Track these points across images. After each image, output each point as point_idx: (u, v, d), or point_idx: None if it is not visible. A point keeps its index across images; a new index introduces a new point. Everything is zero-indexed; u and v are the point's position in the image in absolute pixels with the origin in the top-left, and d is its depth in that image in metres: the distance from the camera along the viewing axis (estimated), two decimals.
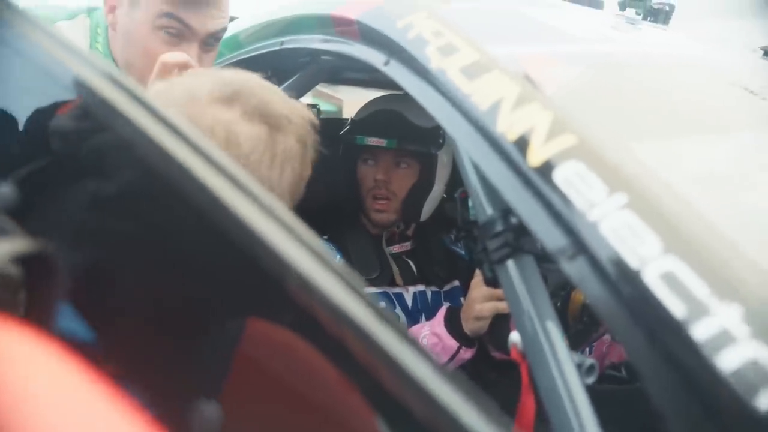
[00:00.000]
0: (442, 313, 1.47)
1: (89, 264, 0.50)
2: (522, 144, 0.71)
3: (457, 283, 1.73)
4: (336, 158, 1.69)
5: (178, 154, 0.46)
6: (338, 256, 1.65)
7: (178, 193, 0.47)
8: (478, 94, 0.79)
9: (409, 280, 1.69)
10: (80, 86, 0.54)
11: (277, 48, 1.39)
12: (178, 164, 0.46)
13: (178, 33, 1.18)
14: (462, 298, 1.69)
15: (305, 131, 0.79)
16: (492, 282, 0.84)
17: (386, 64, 1.02)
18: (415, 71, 0.94)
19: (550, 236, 0.65)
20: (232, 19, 1.33)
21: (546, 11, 1.12)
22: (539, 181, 0.68)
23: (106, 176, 0.51)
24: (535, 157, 0.69)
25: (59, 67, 0.55)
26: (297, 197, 0.81)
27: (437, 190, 1.66)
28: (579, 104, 0.78)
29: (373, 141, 1.59)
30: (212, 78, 0.79)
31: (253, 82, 0.80)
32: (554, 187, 0.66)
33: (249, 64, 1.43)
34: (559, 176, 0.67)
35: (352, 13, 1.12)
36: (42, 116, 0.56)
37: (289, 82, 1.43)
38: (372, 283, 1.62)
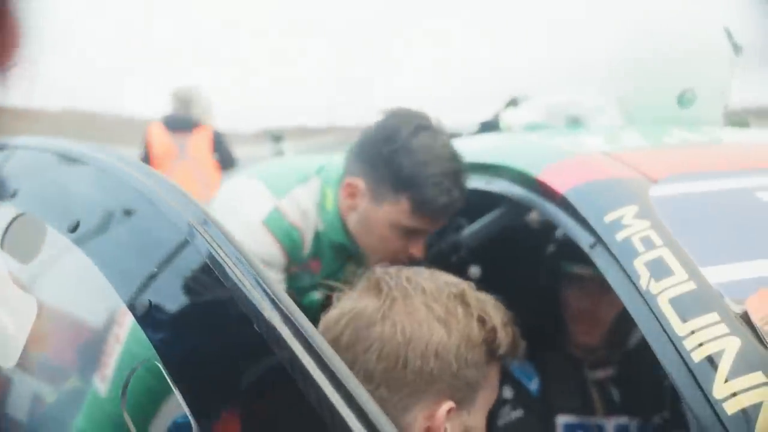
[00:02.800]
0: None
1: None
2: (744, 428, 0.66)
3: (666, 415, 1.61)
4: (538, 273, 1.68)
5: None
6: (536, 379, 1.63)
7: None
8: (693, 341, 0.75)
9: (611, 409, 1.61)
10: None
11: (481, 186, 1.43)
12: None
13: (413, 233, 1.39)
14: None
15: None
16: None
17: (592, 247, 1.00)
18: (622, 273, 0.91)
19: None
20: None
21: None
22: None
23: None
24: None
25: None
26: None
27: None
28: None
29: (579, 270, 1.55)
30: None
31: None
32: None
33: None
34: None
35: (559, 185, 1.11)
36: None
37: (479, 223, 1.47)
38: (570, 411, 1.58)
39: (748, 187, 0.99)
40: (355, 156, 1.42)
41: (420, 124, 1.37)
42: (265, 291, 0.67)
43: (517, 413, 1.57)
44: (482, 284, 1.75)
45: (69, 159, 1.07)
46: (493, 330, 0.85)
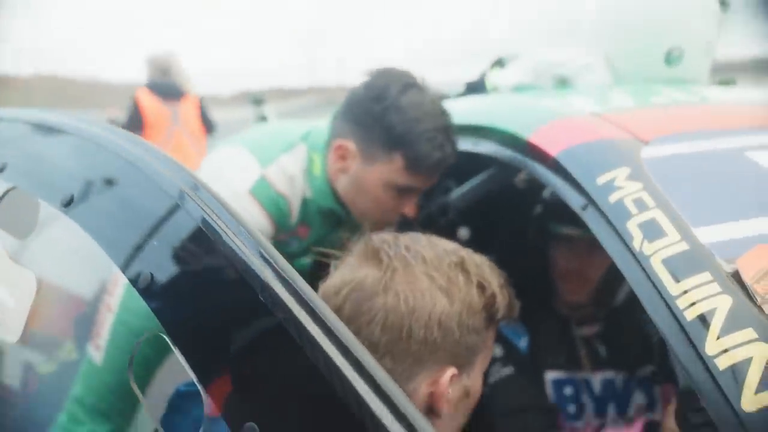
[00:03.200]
0: (639, 427, 1.42)
1: None
2: (733, 382, 0.68)
3: (650, 368, 1.66)
4: (526, 233, 1.70)
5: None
6: (525, 337, 1.66)
7: None
8: (685, 301, 0.77)
9: (598, 365, 1.65)
10: None
11: (470, 147, 1.43)
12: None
13: (406, 191, 1.39)
14: (656, 387, 1.63)
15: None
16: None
17: (584, 209, 1.01)
18: (614, 234, 0.92)
19: None
20: None
21: None
22: None
23: None
24: (749, 403, 0.66)
25: None
26: None
27: None
28: None
29: (567, 230, 1.56)
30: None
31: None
32: None
33: None
34: None
35: (550, 147, 1.11)
36: None
37: (468, 185, 1.48)
38: (558, 367, 1.62)
39: (738, 147, 1.00)
40: (343, 118, 1.41)
41: (408, 82, 1.36)
42: (263, 257, 0.67)
43: (507, 370, 1.60)
44: (471, 246, 1.77)
45: (53, 130, 1.05)
46: (493, 295, 0.87)
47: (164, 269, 0.76)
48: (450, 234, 1.68)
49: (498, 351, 1.62)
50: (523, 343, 1.66)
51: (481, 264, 0.89)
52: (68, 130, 1.00)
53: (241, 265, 0.67)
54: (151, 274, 0.73)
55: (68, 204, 0.88)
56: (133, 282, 0.74)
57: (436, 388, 0.83)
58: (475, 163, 1.47)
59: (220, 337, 0.71)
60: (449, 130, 1.36)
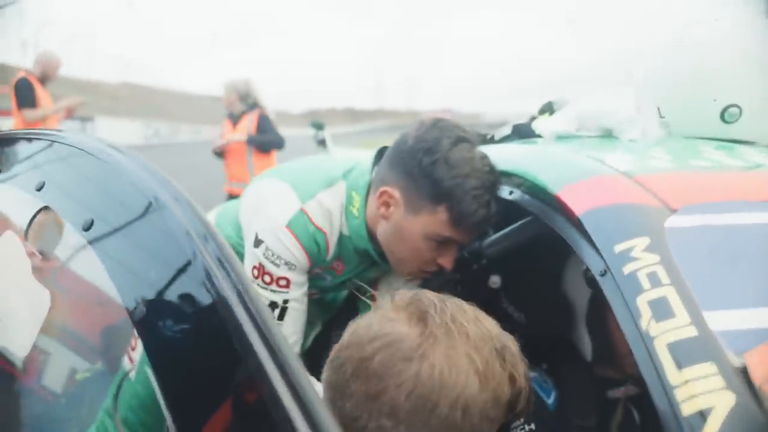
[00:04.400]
0: None
1: None
2: None
3: None
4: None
5: None
6: (554, 393, 1.59)
7: None
8: (684, 393, 0.71)
9: (630, 430, 1.56)
10: None
11: (505, 196, 1.40)
12: None
13: (446, 243, 1.38)
14: None
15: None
16: None
17: (602, 275, 0.96)
18: (625, 308, 0.87)
19: None
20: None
21: None
22: None
23: None
24: None
25: None
26: None
27: None
28: None
29: None
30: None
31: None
32: None
33: None
34: None
35: (576, 206, 1.07)
36: None
37: (503, 232, 1.44)
38: (587, 430, 1.54)
39: None
40: (390, 165, 1.41)
41: (459, 136, 1.35)
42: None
43: (530, 427, 1.54)
44: (502, 293, 1.72)
45: (92, 156, 1.10)
46: (520, 392, 0.84)
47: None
48: (482, 280, 1.65)
49: None
50: (551, 399, 1.60)
51: (516, 354, 0.86)
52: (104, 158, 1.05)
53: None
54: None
55: (88, 229, 0.92)
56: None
57: None
58: (511, 210, 1.43)
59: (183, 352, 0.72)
60: (496, 188, 1.35)
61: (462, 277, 1.54)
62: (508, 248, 1.51)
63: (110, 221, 0.95)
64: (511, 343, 0.85)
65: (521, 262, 1.58)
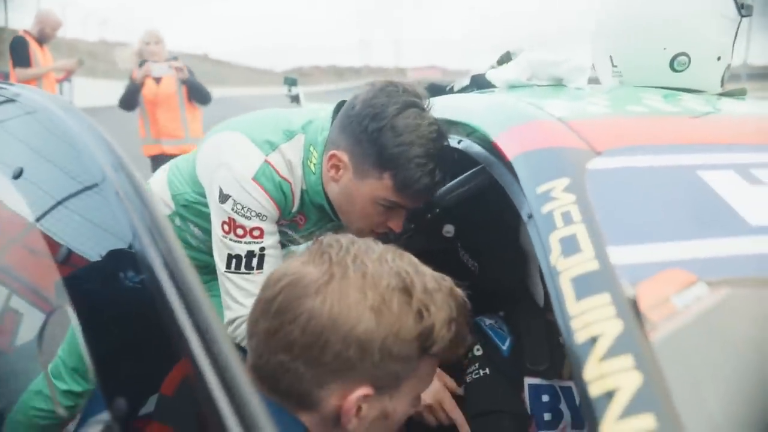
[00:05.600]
0: None
1: None
2: (600, 408, 0.66)
3: None
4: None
5: None
6: (509, 340, 1.63)
7: None
8: (579, 321, 0.74)
9: None
10: None
11: (455, 145, 1.41)
12: None
13: (394, 208, 1.41)
14: None
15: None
16: None
17: (529, 217, 0.99)
18: (541, 246, 0.89)
19: None
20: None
21: (734, 179, 0.93)
22: None
23: None
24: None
25: None
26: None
27: None
28: (685, 366, 0.69)
29: None
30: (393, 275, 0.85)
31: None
32: None
33: None
34: None
35: (509, 150, 1.09)
36: None
37: (456, 181, 1.47)
38: (540, 374, 1.59)
39: (692, 164, 0.95)
40: (341, 128, 1.41)
41: (407, 102, 1.35)
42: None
43: (485, 371, 1.58)
44: (457, 242, 1.75)
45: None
46: (431, 327, 0.84)
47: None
48: (436, 229, 1.68)
49: (478, 351, 1.60)
50: (506, 345, 1.64)
51: (432, 292, 0.85)
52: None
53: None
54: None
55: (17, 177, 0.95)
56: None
57: (344, 403, 0.82)
58: (466, 158, 1.45)
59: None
60: (443, 155, 1.36)
61: (415, 226, 1.56)
62: (461, 197, 1.53)
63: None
64: (422, 280, 0.85)
65: (475, 210, 1.60)
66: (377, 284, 0.82)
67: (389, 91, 1.36)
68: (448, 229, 1.66)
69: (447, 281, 0.90)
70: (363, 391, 0.82)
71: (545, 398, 1.59)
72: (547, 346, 1.62)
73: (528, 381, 1.59)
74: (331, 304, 0.80)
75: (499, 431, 1.53)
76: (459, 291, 0.90)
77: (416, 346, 0.84)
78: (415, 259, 0.91)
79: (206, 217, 1.52)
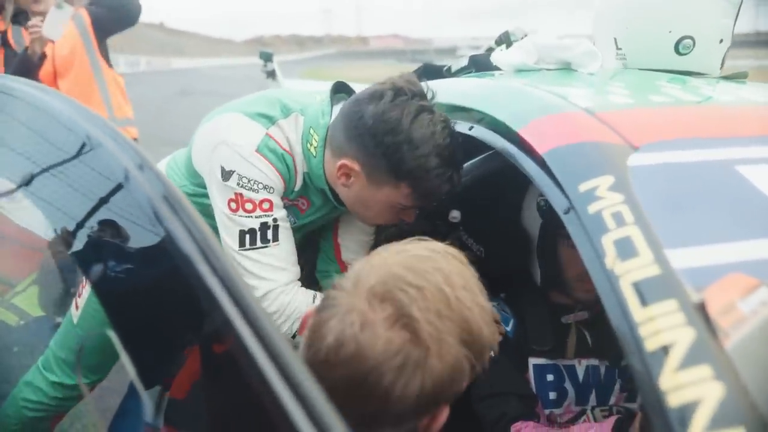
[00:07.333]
0: (610, 423, 1.42)
1: None
2: (683, 420, 0.67)
3: None
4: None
5: None
6: (512, 321, 1.65)
7: None
8: (648, 328, 0.75)
9: (583, 352, 1.65)
10: None
11: (465, 131, 1.39)
12: None
13: (406, 210, 1.42)
14: None
15: (459, 354, 0.81)
16: None
17: (566, 212, 0.98)
18: (590, 246, 0.89)
19: None
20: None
21: None
22: None
23: None
24: None
25: None
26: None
27: None
28: (763, 372, 0.70)
29: None
30: (383, 270, 0.83)
31: (431, 282, 0.82)
32: None
33: None
34: None
35: (539, 145, 1.08)
36: None
37: (465, 166, 1.45)
38: (544, 354, 1.62)
39: (729, 159, 0.96)
40: (349, 138, 1.37)
41: (419, 107, 1.32)
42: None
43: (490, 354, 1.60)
44: (459, 227, 1.74)
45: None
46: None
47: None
48: (442, 214, 1.67)
49: None
50: (509, 327, 1.66)
51: None
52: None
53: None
54: None
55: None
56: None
57: None
58: (472, 144, 1.44)
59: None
60: (457, 159, 1.36)
61: (422, 211, 1.55)
62: (468, 182, 1.52)
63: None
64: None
65: (480, 195, 1.60)
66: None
67: (400, 102, 1.32)
68: (455, 215, 1.65)
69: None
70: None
71: (550, 378, 1.62)
72: (549, 326, 1.64)
73: (532, 361, 1.62)
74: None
75: (507, 413, 1.56)
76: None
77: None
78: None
79: (206, 210, 1.46)
